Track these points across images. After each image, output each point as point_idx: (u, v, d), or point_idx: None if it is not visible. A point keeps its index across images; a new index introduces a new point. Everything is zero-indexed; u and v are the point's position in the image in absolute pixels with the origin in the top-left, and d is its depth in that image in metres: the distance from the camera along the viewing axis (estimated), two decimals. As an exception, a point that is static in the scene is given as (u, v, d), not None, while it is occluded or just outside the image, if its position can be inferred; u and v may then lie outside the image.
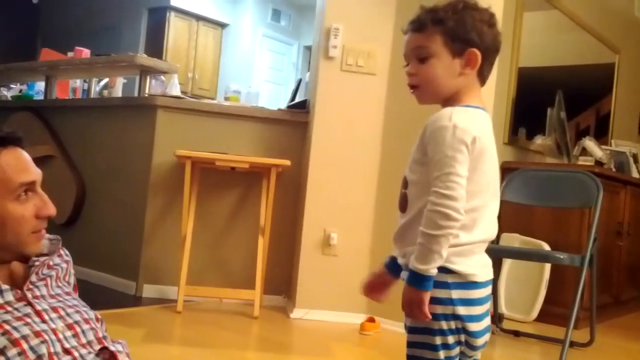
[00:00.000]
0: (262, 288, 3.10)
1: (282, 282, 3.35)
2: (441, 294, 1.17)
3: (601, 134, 4.96)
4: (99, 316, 1.24)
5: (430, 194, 1.14)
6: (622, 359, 3.04)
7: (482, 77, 1.25)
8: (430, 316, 1.15)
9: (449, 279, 1.17)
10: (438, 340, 1.18)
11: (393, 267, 1.32)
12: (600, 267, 3.16)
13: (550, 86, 4.08)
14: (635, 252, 4.33)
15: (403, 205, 1.24)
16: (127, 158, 3.54)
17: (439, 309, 1.17)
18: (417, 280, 1.14)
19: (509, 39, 3.84)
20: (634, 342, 3.42)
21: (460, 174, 1.13)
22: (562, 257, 2.89)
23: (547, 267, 3.50)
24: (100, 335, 1.19)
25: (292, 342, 2.86)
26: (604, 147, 4.33)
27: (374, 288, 1.38)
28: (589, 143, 4.04)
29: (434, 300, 1.16)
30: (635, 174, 4.57)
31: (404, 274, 1.21)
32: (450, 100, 1.24)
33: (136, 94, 4.04)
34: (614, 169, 4.26)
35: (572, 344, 2.80)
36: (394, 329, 2.98)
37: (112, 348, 1.15)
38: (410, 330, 1.22)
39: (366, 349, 2.78)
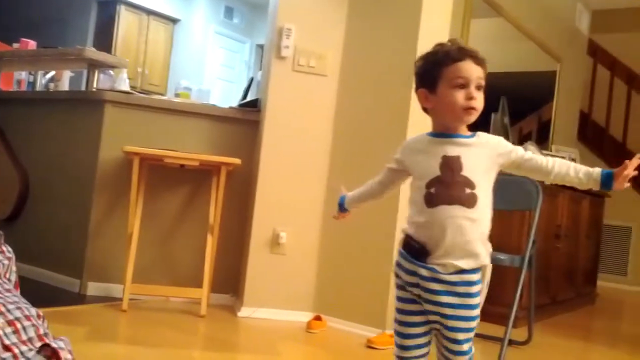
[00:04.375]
0: (209, 286, 3.10)
1: (230, 281, 3.35)
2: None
3: (543, 139, 5.14)
4: (41, 313, 1.23)
5: (491, 199, 1.53)
6: (558, 356, 3.17)
7: None
8: None
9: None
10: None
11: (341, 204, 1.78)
12: (539, 268, 3.27)
13: (495, 92, 4.20)
14: (572, 254, 4.50)
15: (472, 203, 1.48)
16: (73, 153, 3.47)
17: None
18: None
19: (457, 45, 3.94)
20: (569, 340, 3.56)
21: None
22: (502, 258, 2.98)
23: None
24: (42, 332, 1.18)
25: (239, 340, 2.87)
26: (545, 152, 4.48)
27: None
28: (531, 148, 4.17)
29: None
30: (573, 179, 4.74)
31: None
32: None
33: (83, 88, 3.97)
34: (554, 174, 4.41)
35: (511, 342, 2.89)
36: (340, 327, 3.03)
37: (53, 345, 1.14)
38: (470, 319, 1.45)
39: (312, 347, 2.82)
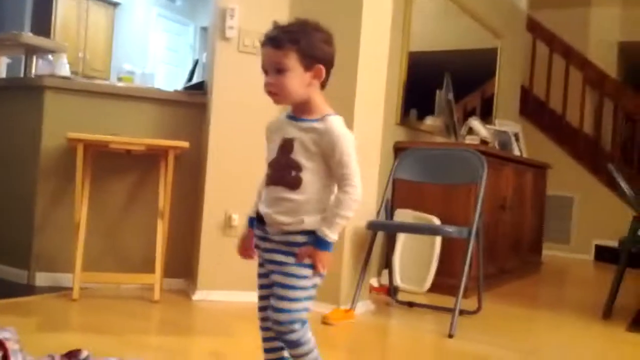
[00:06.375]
0: (162, 271, 3.07)
1: (183, 265, 3.33)
2: None
3: (487, 115, 5.26)
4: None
5: (327, 181, 1.52)
6: (506, 323, 3.28)
7: (323, 85, 1.58)
8: None
9: None
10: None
11: (254, 226, 1.65)
12: (486, 239, 3.38)
13: (439, 69, 4.28)
14: (517, 224, 4.65)
15: (295, 184, 1.52)
16: (13, 142, 3.37)
17: None
18: (330, 246, 1.53)
19: (400, 24, 3.99)
20: (516, 307, 3.69)
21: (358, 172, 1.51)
22: (450, 230, 3.07)
23: (438, 240, 3.69)
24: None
25: (194, 324, 2.86)
26: (488, 126, 4.60)
27: (247, 248, 1.70)
28: (475, 123, 4.28)
29: None
30: (516, 152, 4.90)
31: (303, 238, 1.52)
32: (303, 103, 1.55)
33: (22, 75, 3.84)
34: (497, 147, 4.55)
35: (462, 312, 2.96)
36: (295, 305, 3.05)
37: None
38: (295, 276, 1.52)
39: (268, 326, 2.83)
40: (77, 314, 2.80)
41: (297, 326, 1.51)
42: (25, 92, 3.36)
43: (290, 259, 1.53)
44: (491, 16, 5.27)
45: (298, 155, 1.51)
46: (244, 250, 1.70)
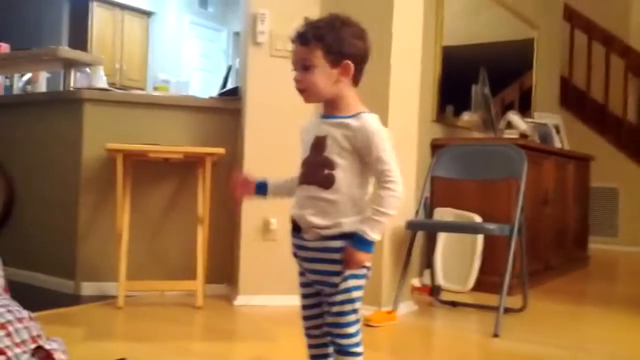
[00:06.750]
0: (204, 277, 3.09)
1: (224, 271, 3.36)
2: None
3: (526, 108, 5.15)
4: (33, 315, 1.23)
5: (360, 179, 1.48)
6: (553, 321, 3.20)
7: (356, 82, 1.55)
8: None
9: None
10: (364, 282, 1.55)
11: (260, 187, 1.68)
12: (529, 235, 3.30)
13: (474, 63, 4.21)
14: (561, 219, 4.54)
15: (328, 183, 1.48)
16: (56, 154, 3.45)
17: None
18: (371, 246, 1.47)
19: (432, 18, 3.93)
20: (563, 304, 3.60)
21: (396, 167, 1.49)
22: (492, 227, 3.01)
23: (480, 238, 3.63)
24: (35, 333, 1.18)
25: (237, 329, 2.87)
26: (528, 120, 4.50)
27: (239, 185, 1.70)
28: (514, 117, 4.20)
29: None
30: (557, 144, 4.78)
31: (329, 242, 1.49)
32: (334, 100, 1.53)
33: (61, 88, 3.93)
34: (537, 141, 4.45)
35: (507, 310, 2.89)
36: (336, 308, 3.04)
37: (47, 347, 1.14)
38: (351, 277, 1.50)
39: (310, 329, 2.83)
40: (122, 323, 2.85)
41: (351, 330, 1.51)
42: (65, 105, 3.44)
43: (331, 267, 1.50)
44: (526, 6, 5.17)
45: (331, 153, 1.48)
46: (236, 185, 1.69)
